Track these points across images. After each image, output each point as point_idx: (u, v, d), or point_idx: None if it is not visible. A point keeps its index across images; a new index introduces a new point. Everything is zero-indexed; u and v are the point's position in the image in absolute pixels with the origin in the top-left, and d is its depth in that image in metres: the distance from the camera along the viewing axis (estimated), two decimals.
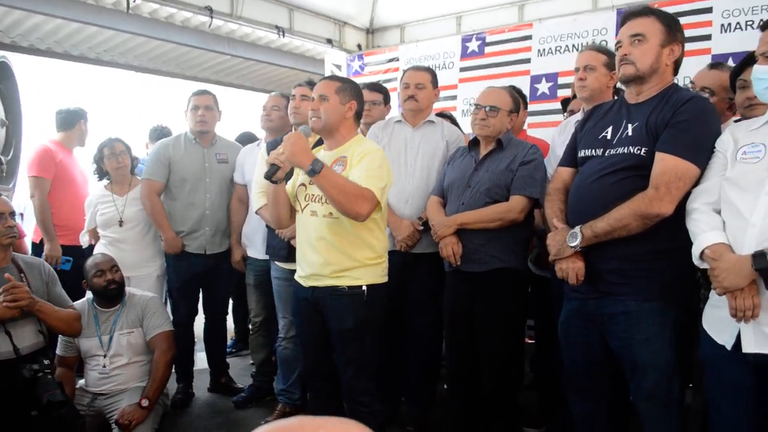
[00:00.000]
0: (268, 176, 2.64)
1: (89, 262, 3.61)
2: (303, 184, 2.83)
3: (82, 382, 3.61)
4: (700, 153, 2.19)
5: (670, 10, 4.46)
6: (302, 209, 2.82)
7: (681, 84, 4.01)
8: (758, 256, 1.83)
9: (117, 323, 3.54)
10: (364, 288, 2.73)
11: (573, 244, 2.34)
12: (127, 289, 3.70)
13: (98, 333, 3.51)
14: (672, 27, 2.36)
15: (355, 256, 2.73)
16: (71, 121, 4.64)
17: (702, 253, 2.02)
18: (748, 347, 1.93)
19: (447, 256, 3.12)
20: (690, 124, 2.22)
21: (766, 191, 1.89)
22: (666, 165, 2.19)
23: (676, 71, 2.42)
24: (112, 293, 3.54)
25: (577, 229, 2.35)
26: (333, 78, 3.01)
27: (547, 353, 3.49)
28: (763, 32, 2.02)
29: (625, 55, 2.36)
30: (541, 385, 3.77)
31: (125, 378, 3.51)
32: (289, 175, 2.81)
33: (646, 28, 2.34)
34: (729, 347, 1.99)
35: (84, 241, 4.30)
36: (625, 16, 2.44)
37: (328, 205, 2.70)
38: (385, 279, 2.85)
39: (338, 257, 2.72)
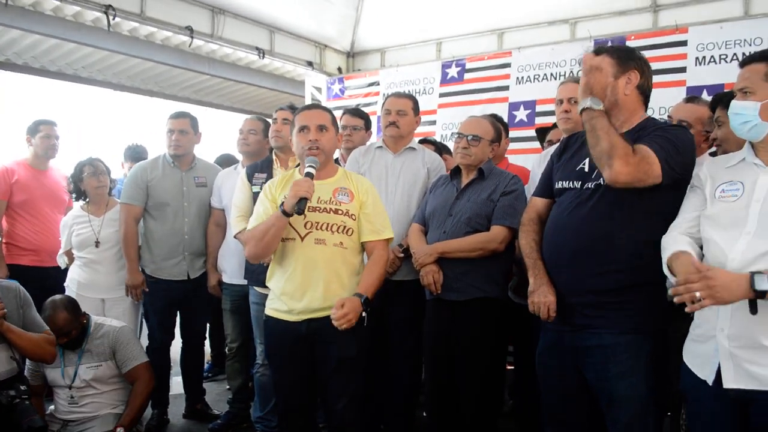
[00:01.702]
0: (301, 210, 2.58)
1: (47, 307, 3.37)
2: None
3: (52, 407, 3.53)
4: (673, 155, 2.20)
5: (646, 42, 4.66)
6: (302, 237, 2.73)
7: (658, 116, 4.13)
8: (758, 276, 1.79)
9: (82, 357, 3.46)
10: (364, 315, 2.71)
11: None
12: (93, 319, 3.58)
13: (62, 364, 3.43)
14: (623, 57, 2.39)
15: (350, 286, 2.74)
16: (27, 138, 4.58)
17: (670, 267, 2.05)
18: (728, 383, 1.95)
19: (428, 284, 3.13)
20: (666, 131, 2.28)
21: (747, 231, 1.91)
22: (643, 147, 2.21)
23: (646, 101, 2.45)
24: (68, 346, 3.44)
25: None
26: (325, 108, 3.02)
27: (527, 381, 3.50)
28: (741, 68, 2.06)
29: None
30: (521, 413, 3.77)
31: (96, 407, 3.46)
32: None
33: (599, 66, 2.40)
34: (710, 382, 2.01)
35: (61, 262, 4.23)
36: (581, 63, 2.51)
37: (339, 234, 2.71)
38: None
39: (339, 288, 2.71)
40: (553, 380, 2.53)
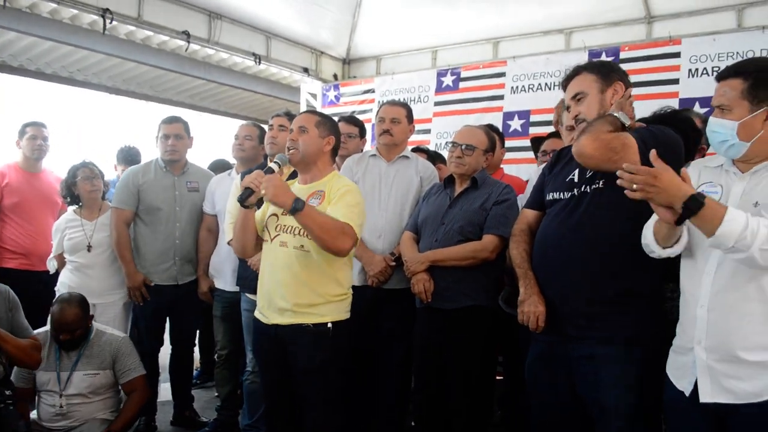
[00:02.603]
0: (242, 199, 2.64)
1: (60, 300, 3.42)
2: (275, 214, 2.82)
3: (33, 414, 3.48)
4: (651, 141, 2.16)
5: (640, 53, 4.69)
6: (271, 239, 2.80)
7: None
8: (695, 198, 1.80)
9: (79, 361, 3.42)
10: (330, 325, 2.72)
11: None
12: (95, 325, 3.57)
13: (57, 368, 3.39)
14: (604, 71, 2.46)
15: (320, 292, 2.72)
16: (17, 141, 4.57)
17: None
18: (704, 397, 1.97)
19: (419, 292, 3.13)
20: (650, 128, 2.32)
21: (707, 243, 1.89)
22: (622, 132, 2.23)
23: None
24: (66, 346, 3.41)
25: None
26: (313, 112, 3.03)
27: (516, 392, 3.50)
28: (718, 82, 2.05)
29: (576, 115, 2.45)
30: (510, 423, 3.77)
31: (84, 414, 3.42)
32: (260, 201, 2.81)
33: (581, 84, 2.46)
34: (687, 393, 2.03)
35: (51, 266, 4.20)
36: (562, 84, 2.56)
37: (300, 236, 2.71)
38: (349, 315, 2.85)
39: (304, 291, 2.71)
40: (542, 390, 2.53)
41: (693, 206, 1.78)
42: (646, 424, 2.33)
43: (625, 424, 2.29)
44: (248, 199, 2.64)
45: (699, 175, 2.12)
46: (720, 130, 1.99)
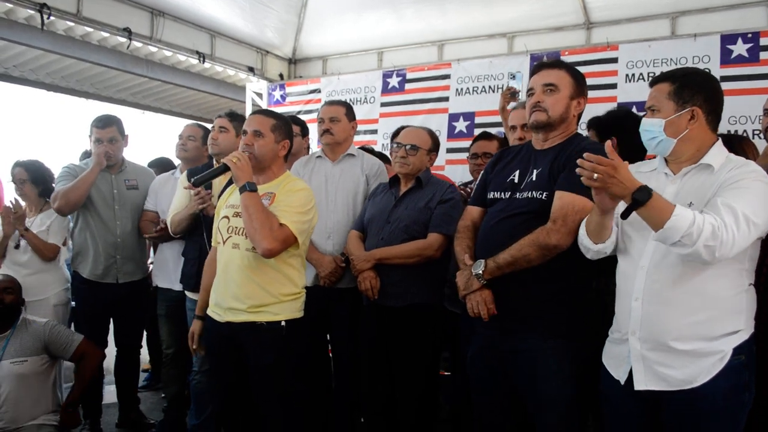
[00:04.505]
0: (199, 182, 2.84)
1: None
2: (226, 217, 2.83)
3: None
4: None
5: (580, 58, 4.82)
6: (224, 241, 2.81)
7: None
8: (644, 189, 1.89)
9: (5, 350, 3.35)
10: (283, 323, 2.74)
11: (478, 271, 2.44)
12: (24, 315, 3.52)
13: None
14: (580, 81, 2.55)
15: (274, 292, 2.73)
16: None
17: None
18: (639, 385, 2.09)
19: (365, 290, 3.17)
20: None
21: (654, 236, 1.99)
22: (564, 201, 2.34)
23: (577, 122, 2.60)
24: None
25: (481, 260, 2.46)
26: (269, 114, 2.97)
27: (462, 386, 3.56)
28: (650, 87, 2.21)
29: (538, 102, 2.50)
30: (457, 418, 3.84)
31: (15, 415, 3.33)
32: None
33: (559, 79, 2.50)
34: (622, 382, 2.15)
35: None
36: (537, 66, 2.60)
37: None
38: (302, 314, 2.86)
39: (257, 291, 2.72)
40: (483, 383, 2.61)
41: (641, 197, 1.87)
42: (580, 414, 2.44)
43: (561, 415, 2.39)
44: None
45: None
46: (650, 128, 2.14)
